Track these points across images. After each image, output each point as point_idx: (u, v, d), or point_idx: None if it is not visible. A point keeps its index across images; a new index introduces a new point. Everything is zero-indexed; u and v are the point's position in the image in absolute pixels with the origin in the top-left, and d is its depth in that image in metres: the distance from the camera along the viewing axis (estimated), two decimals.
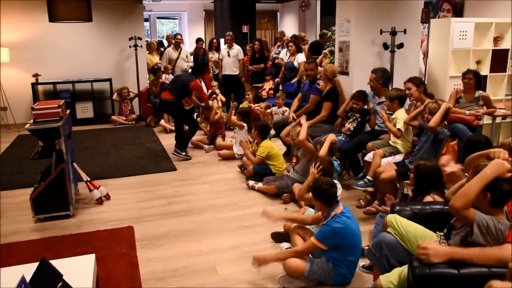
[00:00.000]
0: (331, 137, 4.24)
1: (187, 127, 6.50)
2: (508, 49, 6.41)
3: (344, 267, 2.91)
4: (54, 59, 8.66)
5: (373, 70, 4.85)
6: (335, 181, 3.61)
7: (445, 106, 3.78)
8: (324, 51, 7.04)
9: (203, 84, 8.21)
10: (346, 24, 5.47)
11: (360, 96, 4.90)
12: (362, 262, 3.18)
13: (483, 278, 1.95)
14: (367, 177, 4.24)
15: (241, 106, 7.07)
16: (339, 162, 4.26)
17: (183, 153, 6.16)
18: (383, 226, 2.67)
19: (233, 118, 6.36)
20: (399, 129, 4.27)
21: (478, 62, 6.42)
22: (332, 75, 5.29)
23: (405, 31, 5.25)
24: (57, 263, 2.22)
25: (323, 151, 4.11)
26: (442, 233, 2.42)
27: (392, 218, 2.59)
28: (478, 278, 1.96)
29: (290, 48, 8.02)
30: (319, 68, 6.06)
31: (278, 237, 3.62)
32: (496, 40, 6.43)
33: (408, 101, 4.54)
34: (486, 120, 5.61)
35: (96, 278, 2.65)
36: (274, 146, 5.18)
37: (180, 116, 6.50)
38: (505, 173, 2.09)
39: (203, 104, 6.89)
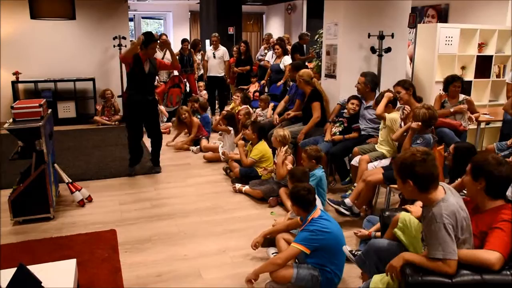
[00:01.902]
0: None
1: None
2: (492, 56, 6.49)
3: (331, 272, 2.87)
4: (35, 57, 8.46)
5: (362, 73, 4.85)
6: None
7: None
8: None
9: (187, 85, 8.10)
10: (334, 27, 5.46)
11: (357, 96, 4.93)
12: (350, 248, 3.12)
13: (476, 286, 1.92)
14: (354, 184, 4.22)
15: (228, 108, 7.01)
16: (323, 170, 4.20)
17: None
18: (393, 222, 2.64)
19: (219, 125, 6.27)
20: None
21: (463, 68, 6.48)
22: (309, 77, 5.30)
23: (392, 36, 5.26)
24: (36, 269, 2.14)
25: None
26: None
27: (407, 216, 2.59)
28: (471, 286, 1.94)
29: (276, 50, 8.02)
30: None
31: (264, 242, 3.54)
32: (481, 46, 6.51)
33: (398, 104, 4.54)
34: (471, 125, 5.65)
35: (77, 284, 2.57)
36: (268, 150, 5.08)
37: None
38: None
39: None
